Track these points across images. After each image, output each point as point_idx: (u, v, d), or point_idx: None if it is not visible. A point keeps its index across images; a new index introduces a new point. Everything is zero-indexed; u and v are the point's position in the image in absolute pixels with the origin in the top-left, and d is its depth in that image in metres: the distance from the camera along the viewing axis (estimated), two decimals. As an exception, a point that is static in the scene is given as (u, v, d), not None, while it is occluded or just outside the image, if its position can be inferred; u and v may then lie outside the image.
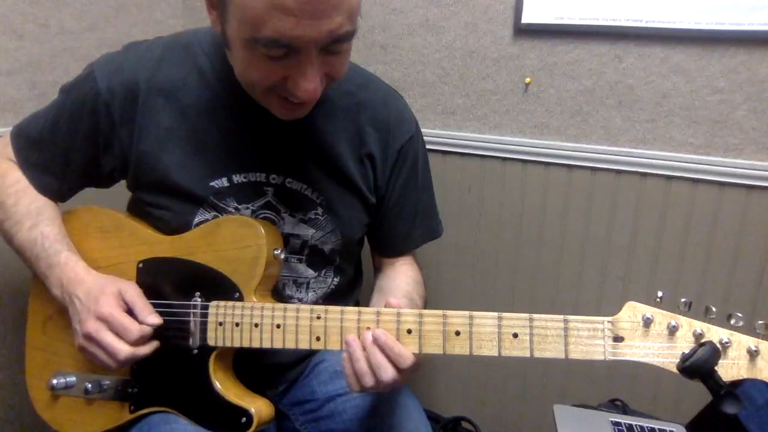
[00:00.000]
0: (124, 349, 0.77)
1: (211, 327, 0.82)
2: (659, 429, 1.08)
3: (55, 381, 0.89)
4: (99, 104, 0.85)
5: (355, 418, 0.92)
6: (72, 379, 0.90)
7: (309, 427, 0.98)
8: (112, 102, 0.85)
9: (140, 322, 0.80)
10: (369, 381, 0.73)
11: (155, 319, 0.81)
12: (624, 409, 1.21)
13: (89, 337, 0.78)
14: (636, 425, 1.08)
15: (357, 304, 1.08)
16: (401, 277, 0.99)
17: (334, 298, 0.99)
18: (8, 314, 1.22)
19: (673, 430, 1.08)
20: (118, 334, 0.78)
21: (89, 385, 0.87)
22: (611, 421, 1.09)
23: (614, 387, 1.34)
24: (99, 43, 1.34)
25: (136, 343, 0.78)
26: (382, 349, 0.73)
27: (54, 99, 0.92)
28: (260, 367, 0.93)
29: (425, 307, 0.97)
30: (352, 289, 1.07)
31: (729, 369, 0.64)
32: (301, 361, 1.02)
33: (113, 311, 0.78)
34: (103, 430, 0.90)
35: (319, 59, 0.70)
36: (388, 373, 0.72)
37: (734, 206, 1.19)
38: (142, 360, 0.81)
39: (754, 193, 1.17)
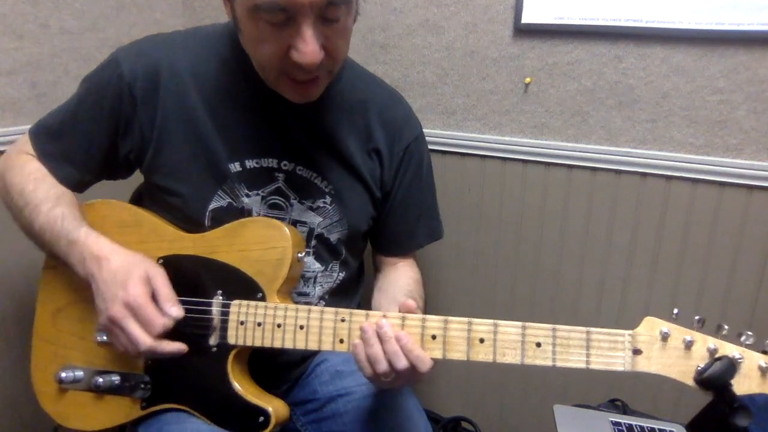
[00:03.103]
0: (146, 341, 0.77)
1: (231, 326, 0.83)
2: (659, 429, 1.08)
3: (63, 374, 0.88)
4: (122, 86, 0.86)
5: (356, 419, 0.92)
6: (80, 373, 0.89)
7: (310, 428, 0.98)
8: (134, 84, 0.86)
9: (162, 312, 0.79)
10: (382, 366, 0.73)
11: (177, 311, 0.80)
12: (624, 409, 1.21)
13: (114, 321, 0.78)
14: (636, 425, 1.08)
15: (359, 305, 1.08)
16: (403, 278, 1.00)
17: (339, 293, 1.00)
18: (10, 307, 1.22)
19: (673, 430, 1.08)
20: (142, 326, 0.77)
21: (100, 380, 0.86)
22: (611, 421, 1.09)
23: (614, 387, 1.34)
24: (99, 43, 1.34)
25: (158, 337, 0.78)
26: (403, 352, 0.73)
27: (74, 92, 0.92)
28: (263, 367, 0.92)
29: (425, 307, 0.97)
30: (356, 286, 1.08)
31: (741, 384, 0.65)
32: (303, 361, 1.02)
33: (140, 300, 0.78)
34: (111, 426, 0.89)
35: (318, 28, 0.73)
36: (402, 361, 0.72)
37: (734, 206, 1.19)
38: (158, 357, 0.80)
39: (754, 193, 1.17)
